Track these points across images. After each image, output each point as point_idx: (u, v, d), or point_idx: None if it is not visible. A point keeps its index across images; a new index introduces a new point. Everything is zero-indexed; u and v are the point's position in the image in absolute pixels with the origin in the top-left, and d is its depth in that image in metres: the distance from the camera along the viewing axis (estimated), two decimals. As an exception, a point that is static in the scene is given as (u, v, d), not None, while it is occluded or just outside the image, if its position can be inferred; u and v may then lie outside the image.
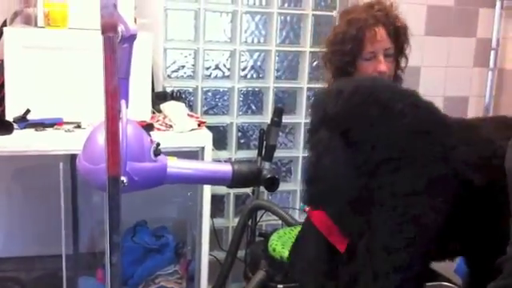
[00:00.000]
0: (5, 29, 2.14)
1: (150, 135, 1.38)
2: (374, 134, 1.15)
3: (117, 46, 0.92)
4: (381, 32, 1.68)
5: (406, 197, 1.12)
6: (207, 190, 2.25)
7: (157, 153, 1.36)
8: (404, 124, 1.17)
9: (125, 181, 1.23)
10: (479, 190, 1.18)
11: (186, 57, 2.85)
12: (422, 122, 1.21)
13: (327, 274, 1.35)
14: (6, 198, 2.51)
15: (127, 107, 1.38)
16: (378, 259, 1.15)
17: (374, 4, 1.73)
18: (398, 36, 1.73)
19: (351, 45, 1.67)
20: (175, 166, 1.43)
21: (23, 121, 2.14)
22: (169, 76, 2.83)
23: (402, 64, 1.81)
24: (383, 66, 1.66)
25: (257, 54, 2.97)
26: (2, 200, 2.50)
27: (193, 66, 2.86)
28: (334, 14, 3.00)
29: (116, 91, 0.93)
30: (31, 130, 2.12)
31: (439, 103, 2.98)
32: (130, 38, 1.33)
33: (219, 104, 2.96)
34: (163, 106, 2.32)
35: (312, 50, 2.96)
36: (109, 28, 0.90)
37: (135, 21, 2.32)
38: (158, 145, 1.40)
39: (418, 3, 2.89)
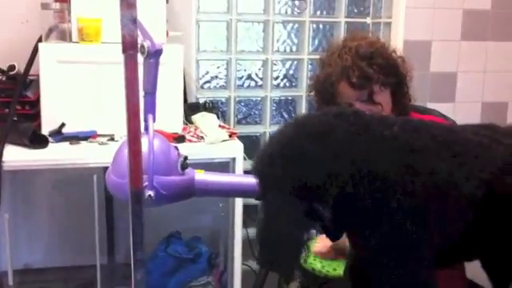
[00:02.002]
0: (40, 44, 2.19)
1: (177, 149, 1.39)
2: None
3: (137, 63, 0.92)
4: (346, 88, 1.64)
5: None
6: (239, 200, 2.25)
7: (184, 166, 1.36)
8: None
9: (152, 195, 1.24)
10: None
11: (218, 67, 2.86)
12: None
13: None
14: (43, 210, 2.56)
15: (154, 121, 1.39)
16: None
17: (345, 50, 1.66)
18: (384, 72, 1.65)
19: (327, 96, 1.67)
20: (203, 179, 1.43)
21: (58, 134, 2.19)
22: (201, 87, 2.84)
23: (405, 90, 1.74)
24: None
25: (289, 62, 2.96)
26: (39, 212, 2.55)
27: (225, 76, 2.87)
28: (368, 20, 2.97)
29: (137, 110, 0.93)
30: (66, 144, 2.16)
31: (477, 109, 2.97)
32: (156, 53, 1.34)
33: (252, 113, 2.96)
34: (194, 118, 2.33)
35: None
36: (129, 46, 0.90)
37: (167, 34, 2.35)
38: (186, 158, 1.41)
39: (454, 7, 2.83)
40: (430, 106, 2.61)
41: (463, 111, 2.89)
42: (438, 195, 0.98)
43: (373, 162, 0.97)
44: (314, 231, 1.94)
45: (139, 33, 1.29)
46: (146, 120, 1.34)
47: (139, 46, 1.27)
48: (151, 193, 1.22)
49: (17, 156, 2.06)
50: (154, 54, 1.32)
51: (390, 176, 0.96)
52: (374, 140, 0.98)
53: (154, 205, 1.30)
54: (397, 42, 2.74)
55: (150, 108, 1.37)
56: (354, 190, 0.97)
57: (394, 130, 0.99)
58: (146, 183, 1.20)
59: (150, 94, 1.38)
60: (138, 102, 0.94)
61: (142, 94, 1.34)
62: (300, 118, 1.16)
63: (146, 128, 1.33)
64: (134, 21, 0.90)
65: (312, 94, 1.80)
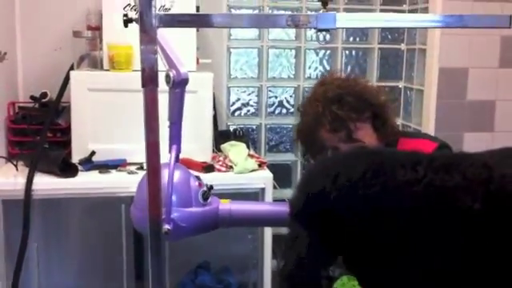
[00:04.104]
0: (71, 72, 2.21)
1: (199, 178, 1.35)
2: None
3: (157, 98, 0.89)
4: (325, 133, 1.63)
5: None
6: (269, 230, 2.20)
7: (205, 197, 1.32)
8: None
9: (169, 228, 1.20)
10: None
11: (249, 94, 2.84)
12: None
13: None
14: (72, 237, 2.56)
15: (179, 152, 1.36)
16: None
17: (315, 97, 1.66)
18: (356, 110, 1.63)
19: (312, 144, 1.69)
20: (228, 208, 1.38)
21: (88, 162, 2.18)
22: (232, 114, 2.82)
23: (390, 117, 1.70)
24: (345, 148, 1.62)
25: (321, 89, 2.92)
26: (68, 240, 2.55)
27: (256, 103, 2.85)
28: (402, 47, 2.91)
29: (157, 145, 0.90)
30: (95, 172, 2.15)
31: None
32: (182, 83, 1.30)
33: (283, 141, 2.92)
34: (224, 147, 2.30)
35: (379, 84, 2.88)
36: (149, 80, 0.88)
37: (197, 61, 2.34)
38: (211, 188, 1.36)
39: (491, 34, 2.75)
40: (468, 135, 2.53)
41: (502, 141, 2.79)
42: None
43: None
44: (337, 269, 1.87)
45: (165, 62, 1.28)
46: (169, 151, 1.31)
47: (164, 75, 1.25)
48: (168, 227, 1.19)
49: (47, 185, 2.06)
50: (180, 84, 1.29)
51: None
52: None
53: (175, 238, 1.26)
54: (432, 70, 2.67)
55: (175, 138, 1.34)
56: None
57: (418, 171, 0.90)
58: (164, 217, 1.17)
59: (175, 124, 1.34)
60: (158, 137, 0.91)
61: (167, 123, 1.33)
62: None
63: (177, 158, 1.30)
64: (155, 53, 0.87)
65: (298, 144, 1.80)
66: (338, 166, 0.92)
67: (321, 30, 0.96)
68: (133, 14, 1.17)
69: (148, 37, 0.86)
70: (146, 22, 0.85)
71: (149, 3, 0.86)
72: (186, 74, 1.29)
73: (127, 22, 1.09)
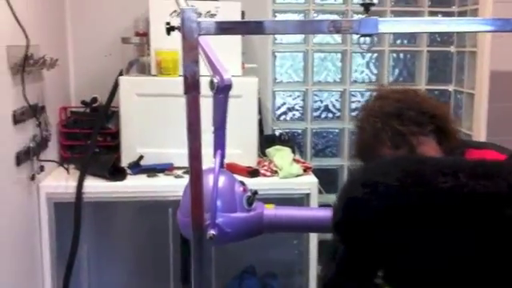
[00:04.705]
0: (120, 78, 2.26)
1: (243, 184, 1.35)
2: None
3: (199, 105, 0.90)
4: (385, 150, 1.52)
5: None
6: (314, 236, 2.19)
7: (250, 202, 1.32)
8: None
9: (214, 233, 1.21)
10: None
11: (294, 99, 2.84)
12: None
13: None
14: (121, 239, 2.61)
15: (224, 157, 1.37)
16: None
17: (372, 112, 1.55)
18: (418, 124, 1.55)
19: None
20: (273, 214, 1.38)
21: (136, 166, 2.23)
22: (278, 118, 2.82)
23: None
24: None
25: (368, 93, 2.88)
26: (117, 242, 2.60)
27: (301, 107, 2.84)
28: (452, 49, 2.85)
29: (199, 151, 0.91)
30: (143, 176, 2.20)
31: None
32: (225, 88, 1.31)
33: (329, 145, 2.90)
34: (269, 151, 2.31)
35: (428, 87, 2.82)
36: (191, 87, 0.89)
37: (243, 66, 2.35)
38: (255, 193, 1.37)
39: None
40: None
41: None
42: None
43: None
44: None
45: (209, 68, 1.29)
46: (214, 156, 1.32)
47: (208, 81, 1.26)
48: (213, 232, 1.19)
49: (96, 188, 2.12)
50: (223, 90, 1.30)
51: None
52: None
53: (220, 243, 1.27)
54: (483, 73, 2.59)
55: (219, 144, 1.35)
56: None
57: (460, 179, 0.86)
58: (208, 222, 1.18)
59: (219, 129, 1.36)
60: (200, 143, 0.92)
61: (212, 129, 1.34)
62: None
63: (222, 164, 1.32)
64: (196, 61, 0.88)
65: (356, 162, 1.74)
66: (377, 174, 0.90)
67: (363, 35, 0.95)
68: (177, 21, 1.19)
69: (190, 45, 0.88)
70: (188, 30, 0.87)
71: (190, 11, 0.87)
72: (229, 80, 1.29)
73: (170, 30, 1.11)
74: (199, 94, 0.90)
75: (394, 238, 0.86)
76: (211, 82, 1.29)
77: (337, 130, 2.87)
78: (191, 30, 0.88)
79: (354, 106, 2.86)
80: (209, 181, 1.24)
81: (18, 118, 1.87)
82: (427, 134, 1.56)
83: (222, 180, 1.27)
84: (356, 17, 1.02)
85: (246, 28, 0.92)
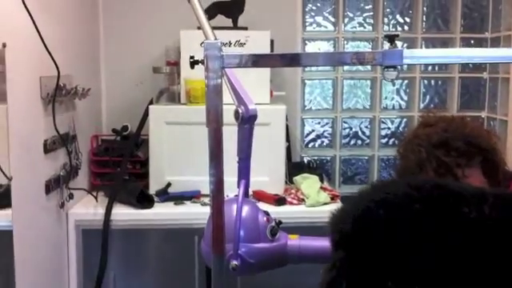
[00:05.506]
0: (150, 106, 2.29)
1: (267, 213, 1.34)
2: None
3: (221, 138, 0.90)
4: (427, 173, 1.47)
5: None
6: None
7: (274, 232, 1.31)
8: None
9: (237, 264, 1.20)
10: None
11: (323, 126, 2.82)
12: None
13: None
14: (148, 267, 2.60)
15: (248, 187, 1.36)
16: None
17: (418, 141, 1.50)
18: (464, 156, 1.47)
19: None
20: (297, 245, 1.36)
21: (164, 194, 2.24)
22: (306, 145, 2.81)
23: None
24: None
25: (398, 120, 2.86)
26: (145, 268, 2.60)
27: (330, 134, 2.82)
28: (484, 75, 2.80)
29: (221, 184, 0.91)
30: (171, 203, 2.20)
31: None
32: (250, 119, 1.31)
33: (359, 172, 2.87)
34: (296, 179, 2.29)
35: (460, 114, 2.77)
36: (213, 121, 0.89)
37: (271, 93, 2.36)
38: (279, 223, 1.35)
39: None
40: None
41: None
42: None
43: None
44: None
45: (234, 98, 1.29)
46: (238, 185, 1.31)
47: (234, 111, 1.26)
48: (236, 262, 1.18)
49: (124, 215, 2.14)
50: (249, 120, 1.30)
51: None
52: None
53: (243, 274, 1.25)
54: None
55: (244, 173, 1.35)
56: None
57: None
58: (231, 252, 1.17)
59: (244, 159, 1.35)
60: (222, 176, 0.92)
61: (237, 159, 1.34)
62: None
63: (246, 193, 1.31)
64: (219, 95, 0.88)
65: None
66: (387, 193, 0.88)
67: (388, 67, 0.94)
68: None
69: (213, 78, 0.88)
70: (211, 63, 0.87)
71: (214, 45, 0.88)
72: (254, 111, 1.29)
73: (193, 63, 1.12)
74: (222, 126, 0.90)
75: (404, 249, 0.82)
76: (236, 112, 1.29)
77: (366, 157, 2.84)
78: (214, 63, 0.88)
79: (383, 133, 2.83)
80: (232, 210, 1.23)
81: (48, 147, 1.90)
82: (474, 167, 1.49)
83: (245, 210, 1.26)
84: (386, 46, 1.02)
85: (269, 61, 0.92)
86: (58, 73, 1.85)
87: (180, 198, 2.23)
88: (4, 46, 1.59)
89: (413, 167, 1.50)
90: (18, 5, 1.63)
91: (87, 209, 2.14)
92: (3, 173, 1.61)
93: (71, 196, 2.08)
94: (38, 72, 1.82)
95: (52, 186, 1.94)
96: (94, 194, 2.21)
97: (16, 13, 1.65)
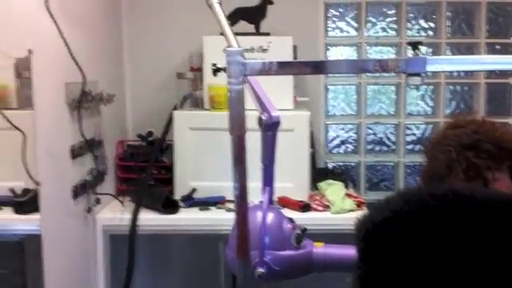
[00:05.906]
0: (174, 112, 2.31)
1: (292, 221, 1.34)
2: None
3: (245, 145, 0.91)
4: (455, 182, 1.46)
5: None
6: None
7: (299, 240, 1.31)
8: None
9: (263, 271, 1.20)
10: None
11: (347, 132, 2.82)
12: None
13: None
14: (175, 271, 2.62)
15: (272, 194, 1.37)
16: None
17: (447, 141, 1.46)
18: (495, 159, 1.45)
19: None
20: (322, 252, 1.36)
21: (189, 199, 2.26)
22: (330, 151, 2.80)
23: None
24: None
25: (423, 126, 2.83)
26: (172, 273, 2.62)
27: (355, 140, 2.81)
28: (511, 81, 2.76)
29: (245, 192, 0.91)
30: (196, 209, 2.22)
31: None
32: (274, 126, 1.32)
33: (384, 179, 2.85)
34: (321, 185, 2.29)
35: (487, 120, 2.73)
36: (236, 128, 0.90)
37: (295, 99, 2.36)
38: (304, 231, 1.35)
39: None
40: None
41: None
42: None
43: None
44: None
45: (257, 105, 1.30)
46: (262, 192, 1.32)
47: (257, 118, 1.27)
48: (262, 270, 1.18)
49: (150, 220, 2.16)
50: (272, 127, 1.31)
51: None
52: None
53: (269, 281, 1.25)
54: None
55: (268, 180, 1.35)
56: None
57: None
58: (257, 260, 1.17)
59: (268, 165, 1.36)
60: (246, 183, 0.93)
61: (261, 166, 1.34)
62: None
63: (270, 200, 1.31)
64: (241, 102, 0.89)
65: None
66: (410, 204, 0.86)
67: (411, 75, 0.94)
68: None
69: (235, 85, 0.89)
70: (233, 71, 0.88)
71: (236, 53, 0.88)
72: (277, 117, 1.30)
73: (216, 71, 1.13)
74: (245, 133, 0.91)
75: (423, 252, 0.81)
76: (259, 119, 1.30)
77: (392, 164, 2.82)
78: (236, 70, 0.89)
79: (409, 139, 2.81)
80: (257, 218, 1.23)
81: (75, 153, 1.93)
82: (503, 171, 1.46)
83: (270, 217, 1.26)
84: (410, 51, 1.00)
85: (291, 68, 0.92)
86: (84, 79, 1.88)
87: (205, 204, 2.24)
88: (30, 52, 1.63)
89: (442, 169, 1.48)
90: (43, 12, 1.67)
91: (114, 214, 2.17)
92: (31, 178, 1.65)
93: (98, 201, 2.11)
94: (63, 78, 1.85)
95: (79, 191, 1.97)
96: (121, 199, 2.23)
97: (41, 20, 1.69)
